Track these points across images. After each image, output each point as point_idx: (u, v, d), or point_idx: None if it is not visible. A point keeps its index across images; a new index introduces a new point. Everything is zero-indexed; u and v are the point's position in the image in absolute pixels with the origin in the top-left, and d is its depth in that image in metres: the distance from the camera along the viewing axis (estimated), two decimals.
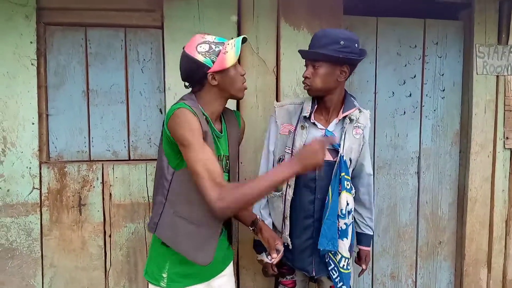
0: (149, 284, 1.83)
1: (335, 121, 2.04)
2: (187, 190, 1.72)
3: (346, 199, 2.00)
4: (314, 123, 2.03)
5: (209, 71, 1.70)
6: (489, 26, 2.82)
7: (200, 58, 1.69)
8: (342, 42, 1.88)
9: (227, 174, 1.88)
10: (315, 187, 2.03)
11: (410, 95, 2.90)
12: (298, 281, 2.23)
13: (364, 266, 2.27)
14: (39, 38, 2.35)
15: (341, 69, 1.93)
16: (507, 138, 2.91)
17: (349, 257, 2.04)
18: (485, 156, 2.92)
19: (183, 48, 1.75)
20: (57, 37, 2.42)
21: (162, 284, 1.78)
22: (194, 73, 1.73)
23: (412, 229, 3.02)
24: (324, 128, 2.03)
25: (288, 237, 2.08)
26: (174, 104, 1.71)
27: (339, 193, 1.99)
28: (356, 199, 2.17)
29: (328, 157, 2.00)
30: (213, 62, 1.69)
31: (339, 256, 2.03)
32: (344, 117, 2.03)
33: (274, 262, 1.84)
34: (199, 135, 1.62)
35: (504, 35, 2.84)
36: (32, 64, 2.31)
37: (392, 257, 3.01)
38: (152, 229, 1.81)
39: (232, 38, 1.80)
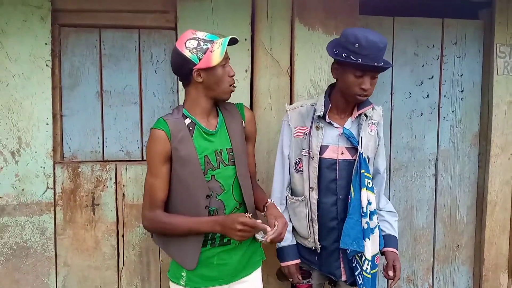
0: (171, 283, 1.91)
1: (350, 119, 2.01)
2: (172, 200, 1.83)
3: (367, 196, 1.94)
4: (330, 123, 2.00)
5: (194, 67, 1.72)
6: (510, 26, 2.75)
7: (187, 53, 1.71)
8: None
9: (233, 166, 1.87)
10: (336, 188, 2.00)
11: (428, 96, 2.84)
12: (315, 285, 2.19)
13: (391, 273, 2.03)
14: (54, 39, 2.37)
15: None
16: None
17: (370, 259, 1.95)
18: (505, 158, 2.85)
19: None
20: (72, 39, 2.44)
21: (181, 282, 1.85)
22: (180, 68, 1.76)
23: (429, 232, 2.96)
24: (340, 126, 2.00)
25: (317, 241, 2.05)
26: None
27: (360, 191, 1.95)
28: None
29: (347, 155, 1.98)
30: (200, 59, 1.71)
31: (363, 258, 1.97)
32: (359, 115, 2.00)
33: (268, 240, 1.68)
34: (158, 159, 1.76)
35: None
36: (46, 65, 2.33)
37: (408, 261, 2.96)
38: (151, 234, 1.96)
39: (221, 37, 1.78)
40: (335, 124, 2.00)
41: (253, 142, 2.07)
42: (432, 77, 2.84)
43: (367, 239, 1.94)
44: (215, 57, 1.70)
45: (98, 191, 2.43)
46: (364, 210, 1.94)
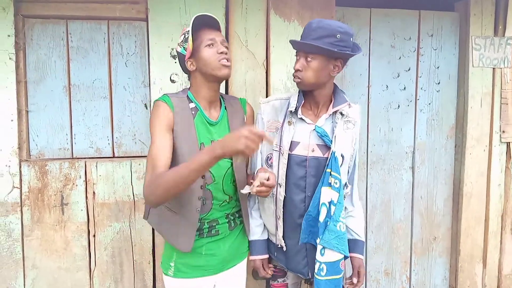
0: (163, 274, 1.93)
1: (324, 116, 1.94)
2: None
3: (329, 196, 1.88)
4: (301, 118, 1.93)
5: (185, 58, 1.81)
6: (485, 18, 2.75)
7: (179, 49, 1.84)
8: (338, 36, 1.78)
9: (228, 160, 1.87)
10: (305, 185, 1.94)
11: (405, 88, 2.83)
12: (290, 284, 2.15)
13: (355, 280, 2.01)
14: (18, 31, 2.25)
15: (334, 63, 1.85)
16: (503, 131, 2.84)
17: (320, 261, 1.88)
18: (481, 150, 2.86)
19: None
20: (37, 30, 2.32)
21: (169, 273, 1.88)
22: (181, 64, 1.88)
23: (406, 225, 2.96)
24: (313, 123, 1.93)
25: (282, 238, 2.00)
26: None
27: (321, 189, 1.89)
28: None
29: (317, 153, 1.91)
30: (185, 49, 1.80)
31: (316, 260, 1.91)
32: (335, 112, 1.94)
33: (254, 191, 1.64)
34: (163, 124, 1.71)
35: (501, 27, 2.77)
36: (10, 58, 2.21)
37: (386, 254, 2.96)
38: (145, 216, 1.99)
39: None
40: (308, 120, 1.94)
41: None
42: (409, 70, 2.82)
43: (318, 238, 1.88)
44: (189, 40, 1.75)
45: (67, 189, 2.33)
46: (320, 208, 1.88)
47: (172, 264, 1.86)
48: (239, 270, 2.03)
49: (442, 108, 2.90)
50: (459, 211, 2.94)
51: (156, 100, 1.79)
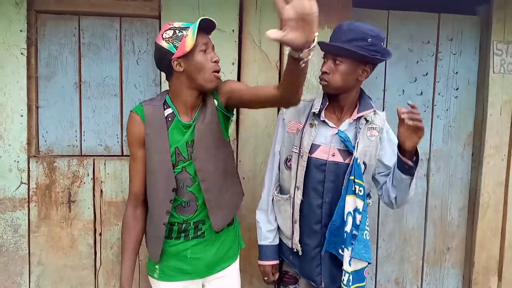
0: (149, 277, 1.94)
1: (348, 120, 1.88)
2: (147, 191, 1.83)
3: (354, 204, 1.82)
4: (324, 121, 1.88)
5: (172, 57, 1.65)
6: (508, 23, 2.65)
7: (164, 44, 1.65)
8: (370, 40, 1.73)
9: (190, 161, 1.76)
10: (323, 190, 1.89)
11: (422, 93, 2.75)
12: None
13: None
14: (30, 26, 2.25)
15: (363, 68, 1.79)
16: None
17: (349, 271, 1.84)
18: (499, 159, 2.77)
19: None
20: (49, 26, 2.32)
21: (155, 275, 1.87)
22: (160, 60, 1.71)
23: (419, 234, 2.88)
24: (335, 127, 1.87)
25: (298, 243, 1.95)
26: None
27: (345, 197, 1.84)
28: None
29: (338, 158, 1.86)
30: (176, 47, 1.64)
31: (343, 270, 1.86)
32: (359, 118, 1.88)
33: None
34: (134, 140, 1.76)
35: None
36: (21, 53, 2.21)
37: (397, 263, 2.89)
38: None
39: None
40: (330, 124, 1.88)
41: (238, 84, 1.82)
42: (427, 74, 2.74)
43: (345, 249, 1.84)
44: (188, 41, 1.62)
45: (74, 187, 2.32)
46: (345, 218, 1.83)
47: (157, 267, 1.86)
48: (231, 272, 1.99)
49: (460, 114, 2.81)
50: (474, 222, 2.85)
51: (131, 110, 1.76)
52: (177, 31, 1.65)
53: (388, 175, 1.87)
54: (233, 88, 1.76)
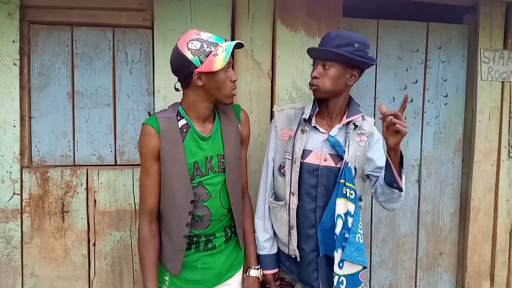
0: None
1: (338, 125, 1.93)
2: (161, 204, 1.80)
3: (345, 207, 1.85)
4: (315, 127, 1.93)
5: (195, 70, 1.63)
6: (494, 31, 2.71)
7: (189, 55, 1.62)
8: (356, 45, 1.80)
9: (222, 173, 1.82)
10: (316, 195, 1.92)
11: (412, 100, 2.79)
12: None
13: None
14: (23, 37, 2.25)
15: (351, 72, 1.86)
16: None
17: (339, 274, 1.87)
18: (488, 164, 2.81)
19: (178, 40, 1.69)
20: (42, 36, 2.31)
21: (164, 287, 1.86)
22: (181, 69, 1.68)
23: (412, 240, 2.91)
24: (326, 132, 1.92)
25: (296, 248, 1.97)
26: None
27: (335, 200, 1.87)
28: None
29: (330, 162, 1.89)
30: (201, 62, 1.62)
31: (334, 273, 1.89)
32: (348, 123, 1.93)
33: None
34: (148, 155, 1.72)
35: (510, 40, 2.73)
36: (14, 64, 2.20)
37: (390, 268, 2.90)
38: None
39: (225, 41, 1.69)
40: (321, 129, 1.93)
41: (246, 146, 2.01)
42: (416, 82, 2.79)
43: (335, 251, 1.87)
44: (218, 62, 1.62)
45: (68, 197, 2.31)
46: (335, 220, 1.86)
47: (167, 278, 1.85)
48: (236, 281, 2.01)
49: (449, 121, 2.85)
50: (466, 227, 2.88)
51: (144, 123, 1.72)
52: (205, 45, 1.63)
53: (380, 173, 1.92)
54: (241, 146, 1.94)
